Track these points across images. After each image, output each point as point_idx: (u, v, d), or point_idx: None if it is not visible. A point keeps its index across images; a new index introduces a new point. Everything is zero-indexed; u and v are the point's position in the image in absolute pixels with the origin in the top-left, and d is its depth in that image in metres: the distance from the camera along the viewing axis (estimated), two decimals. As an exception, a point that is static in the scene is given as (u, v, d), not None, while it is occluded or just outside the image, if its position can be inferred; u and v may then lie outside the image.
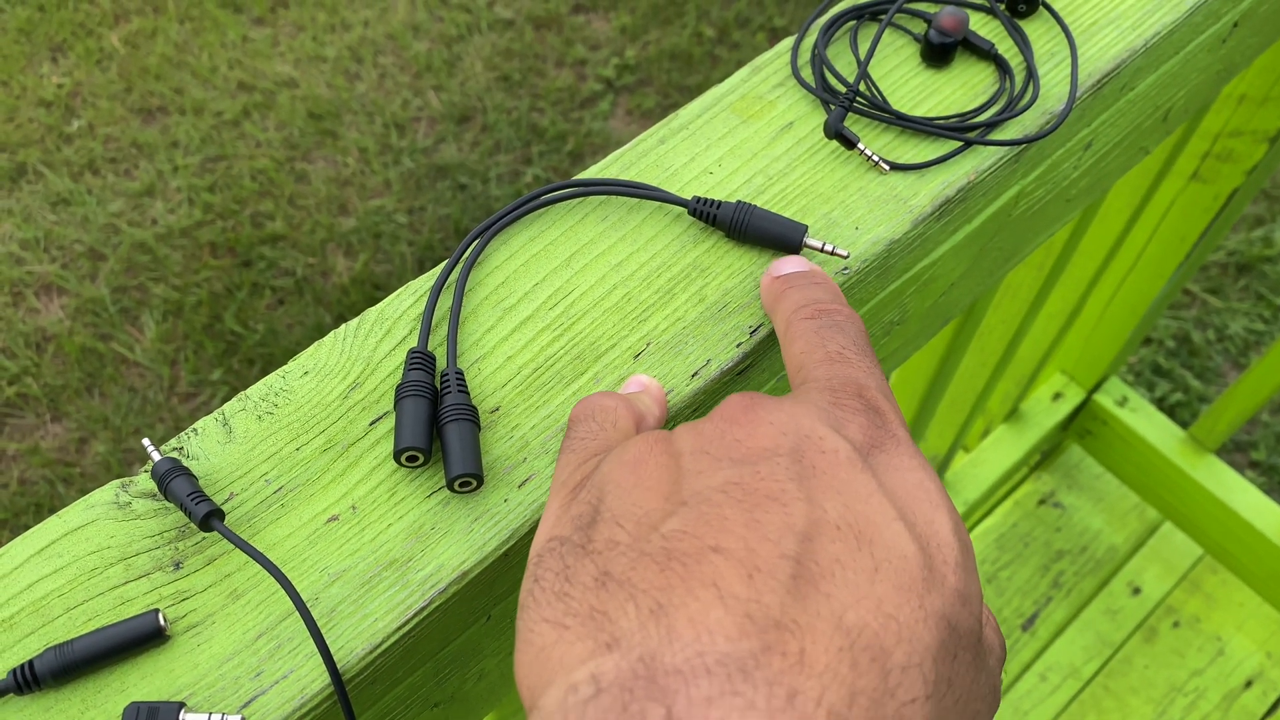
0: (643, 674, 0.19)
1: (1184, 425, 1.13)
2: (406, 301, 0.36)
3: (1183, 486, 1.11)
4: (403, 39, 2.14)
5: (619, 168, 0.40)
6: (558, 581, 0.23)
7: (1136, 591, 1.19)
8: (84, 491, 1.77)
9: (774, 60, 0.43)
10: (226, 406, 0.34)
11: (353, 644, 0.30)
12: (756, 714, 0.18)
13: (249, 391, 0.34)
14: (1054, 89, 0.42)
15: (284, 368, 0.35)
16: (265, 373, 1.76)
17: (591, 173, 0.40)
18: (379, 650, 0.30)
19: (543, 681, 0.21)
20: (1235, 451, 1.67)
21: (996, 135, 0.41)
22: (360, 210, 1.94)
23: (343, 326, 0.36)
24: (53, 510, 1.74)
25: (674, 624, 0.20)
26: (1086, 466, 1.24)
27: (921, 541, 0.22)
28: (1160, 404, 1.72)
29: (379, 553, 0.32)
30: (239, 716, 0.29)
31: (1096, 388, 1.13)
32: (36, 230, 1.90)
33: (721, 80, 0.44)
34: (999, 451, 1.11)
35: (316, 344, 0.35)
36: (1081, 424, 1.18)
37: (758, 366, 0.37)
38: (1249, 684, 1.13)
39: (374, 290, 1.85)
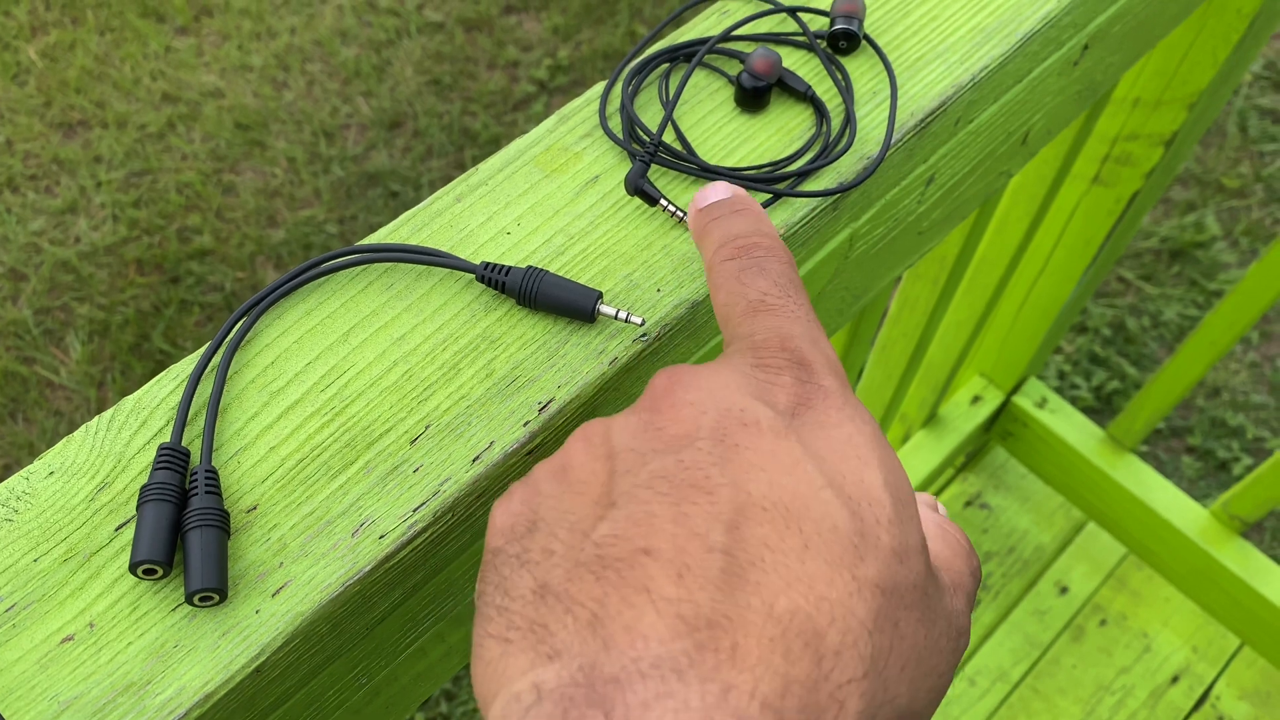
0: (582, 682, 0.20)
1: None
2: (167, 388, 0.34)
3: (1103, 486, 1.11)
4: (330, 45, 2.10)
5: (410, 229, 0.38)
6: (497, 595, 0.23)
7: (1064, 591, 1.18)
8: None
9: (583, 108, 0.41)
10: (-41, 516, 0.31)
11: (76, 781, 0.28)
12: (691, 713, 0.19)
13: (-14, 497, 0.32)
14: (873, 131, 0.40)
15: (30, 466, 0.32)
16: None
17: (381, 235, 0.38)
18: (107, 786, 0.28)
19: (491, 693, 0.22)
20: (1172, 437, 1.68)
21: (809, 185, 0.39)
22: (290, 221, 1.90)
23: (96, 419, 0.33)
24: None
25: (610, 634, 0.20)
26: (1012, 467, 1.23)
27: (852, 505, 0.22)
28: (1097, 392, 1.72)
29: (115, 676, 0.29)
30: None
31: (1015, 389, 1.13)
32: (-47, 252, 1.84)
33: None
34: (919, 457, 1.10)
35: (66, 439, 0.33)
36: (1003, 426, 1.17)
37: (552, 441, 0.35)
38: (1175, 679, 1.13)
39: (305, 304, 1.81)
